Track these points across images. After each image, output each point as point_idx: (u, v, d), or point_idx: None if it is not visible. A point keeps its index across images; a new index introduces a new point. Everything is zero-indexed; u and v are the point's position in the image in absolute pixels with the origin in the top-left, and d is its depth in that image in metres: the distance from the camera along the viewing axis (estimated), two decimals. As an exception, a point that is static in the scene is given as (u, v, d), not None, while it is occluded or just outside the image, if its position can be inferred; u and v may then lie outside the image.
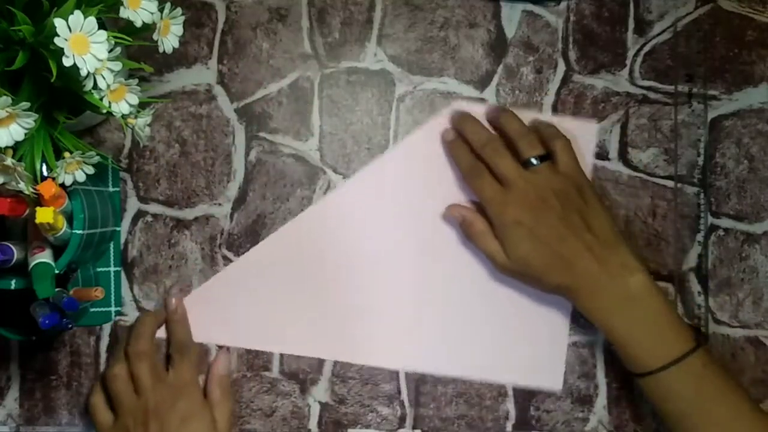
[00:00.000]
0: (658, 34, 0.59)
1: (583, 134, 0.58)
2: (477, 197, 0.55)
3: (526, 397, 0.58)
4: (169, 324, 0.57)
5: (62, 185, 0.44)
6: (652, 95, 0.59)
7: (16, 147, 0.40)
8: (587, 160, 0.58)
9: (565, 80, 0.59)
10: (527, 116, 0.57)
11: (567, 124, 0.57)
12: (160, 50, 0.45)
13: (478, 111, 0.58)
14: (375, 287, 0.58)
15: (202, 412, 0.54)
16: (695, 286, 0.58)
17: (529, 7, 0.59)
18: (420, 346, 0.58)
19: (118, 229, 0.58)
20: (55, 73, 0.39)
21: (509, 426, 0.58)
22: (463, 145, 0.56)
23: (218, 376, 0.56)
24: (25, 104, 0.38)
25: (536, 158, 0.53)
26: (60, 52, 0.37)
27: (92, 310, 0.58)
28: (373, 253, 0.58)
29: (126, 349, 0.55)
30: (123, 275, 0.58)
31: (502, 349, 0.58)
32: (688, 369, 0.50)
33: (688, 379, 0.50)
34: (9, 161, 0.40)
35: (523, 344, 0.58)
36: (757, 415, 0.50)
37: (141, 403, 0.53)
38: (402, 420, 0.58)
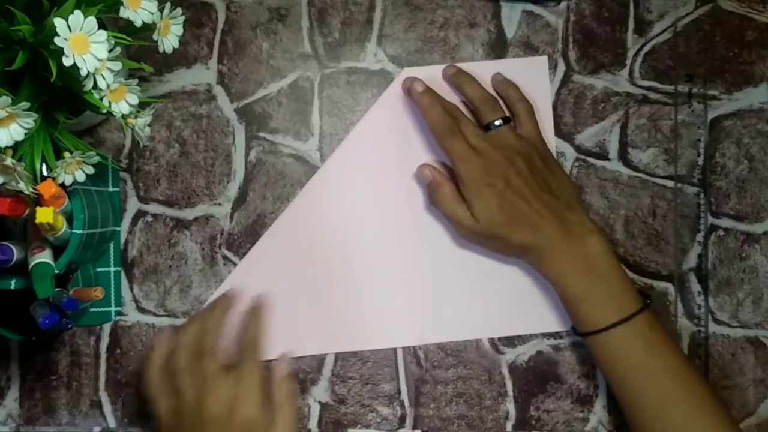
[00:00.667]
0: (658, 34, 0.59)
1: (536, 69, 0.59)
2: (447, 156, 0.54)
3: (526, 397, 0.58)
4: (249, 317, 0.54)
5: (62, 185, 0.44)
6: (652, 95, 0.59)
7: (16, 147, 0.40)
8: (544, 93, 0.58)
9: (565, 80, 0.59)
10: (480, 65, 0.58)
11: (518, 63, 0.58)
12: (160, 50, 0.45)
13: (434, 74, 0.58)
14: (369, 267, 0.58)
15: (264, 415, 0.51)
16: (695, 286, 0.58)
17: (529, 7, 0.59)
18: (426, 318, 0.58)
19: (118, 229, 0.58)
20: (55, 73, 0.39)
21: (509, 426, 0.58)
22: (436, 99, 0.55)
23: (281, 377, 0.54)
24: (25, 104, 0.38)
25: (498, 120, 0.55)
26: (60, 52, 0.37)
27: (92, 310, 0.58)
28: (362, 233, 0.58)
29: (193, 344, 0.52)
30: (123, 275, 0.58)
31: (503, 303, 0.58)
32: (635, 328, 0.51)
33: (634, 338, 0.51)
34: (9, 161, 0.40)
35: (523, 294, 0.58)
36: (694, 374, 0.52)
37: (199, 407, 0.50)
38: (402, 420, 0.58)
